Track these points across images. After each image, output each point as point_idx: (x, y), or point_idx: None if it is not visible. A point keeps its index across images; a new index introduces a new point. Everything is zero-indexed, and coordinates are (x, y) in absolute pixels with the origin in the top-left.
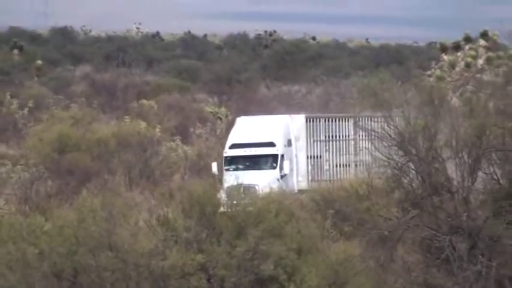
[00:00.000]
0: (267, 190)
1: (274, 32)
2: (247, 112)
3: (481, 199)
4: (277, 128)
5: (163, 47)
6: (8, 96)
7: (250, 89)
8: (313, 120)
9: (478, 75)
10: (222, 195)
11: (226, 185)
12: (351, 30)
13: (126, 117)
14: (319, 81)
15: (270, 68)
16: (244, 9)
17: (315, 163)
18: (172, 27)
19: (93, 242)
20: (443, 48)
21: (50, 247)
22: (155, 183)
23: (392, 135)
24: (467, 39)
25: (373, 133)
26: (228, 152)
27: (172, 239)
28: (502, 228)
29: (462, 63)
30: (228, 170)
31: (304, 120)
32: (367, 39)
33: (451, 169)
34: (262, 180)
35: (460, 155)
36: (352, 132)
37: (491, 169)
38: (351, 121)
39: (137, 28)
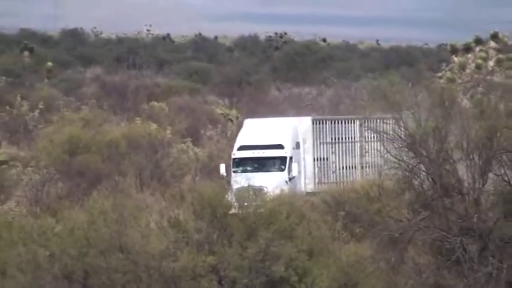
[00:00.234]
0: (275, 192)
1: (285, 33)
2: (258, 114)
3: (492, 201)
4: (286, 130)
5: (174, 49)
6: (19, 98)
7: (261, 90)
8: (319, 123)
9: (489, 77)
10: (231, 197)
11: (234, 186)
12: (362, 32)
13: (137, 118)
14: (329, 83)
15: (281, 70)
16: (254, 11)
17: (322, 165)
18: (182, 29)
19: (103, 243)
20: (454, 50)
21: (60, 249)
22: (166, 184)
23: (403, 137)
24: (478, 41)
25: (383, 135)
26: (237, 154)
27: (184, 241)
28: None
29: (472, 65)
30: (236, 171)
31: (310, 122)
32: (377, 41)
33: (462, 171)
34: (271, 183)
35: (471, 156)
36: (358, 134)
37: (502, 171)
38: (358, 123)
39: (148, 30)
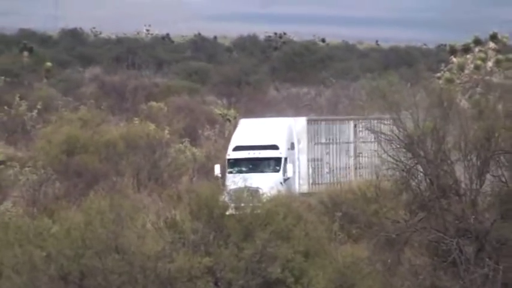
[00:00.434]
0: (270, 193)
1: (284, 34)
2: (256, 114)
3: (489, 202)
4: (281, 130)
5: (173, 49)
6: (17, 98)
7: (260, 91)
8: (314, 123)
9: (487, 78)
10: (225, 198)
11: (229, 187)
12: (361, 32)
13: (135, 119)
14: (328, 84)
15: (280, 70)
16: (254, 12)
17: (316, 166)
18: (182, 29)
19: (100, 244)
20: (453, 51)
21: (57, 250)
22: (163, 185)
23: (401, 138)
24: (477, 42)
25: (381, 135)
26: (231, 154)
27: (180, 242)
28: (509, 231)
29: (471, 66)
30: (231, 172)
31: (305, 122)
32: (376, 41)
33: (460, 171)
34: (266, 183)
35: (469, 157)
36: (352, 135)
37: (500, 171)
38: (352, 124)
39: (147, 30)
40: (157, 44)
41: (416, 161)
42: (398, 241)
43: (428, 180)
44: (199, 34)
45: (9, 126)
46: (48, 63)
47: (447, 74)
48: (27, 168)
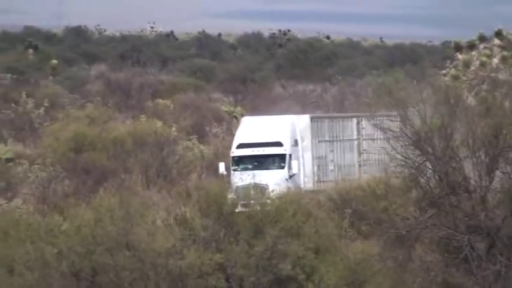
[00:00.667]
0: (277, 190)
1: (289, 31)
2: (262, 111)
3: (499, 198)
4: (284, 127)
5: (178, 46)
6: (24, 96)
7: (265, 88)
8: (318, 120)
9: (493, 75)
10: (232, 195)
11: (235, 185)
12: (365, 29)
13: (142, 116)
14: (334, 81)
15: (284, 67)
16: (258, 9)
17: (321, 163)
18: (186, 27)
19: (110, 241)
20: (458, 48)
21: (68, 246)
22: (172, 182)
23: (409, 135)
24: (482, 38)
25: (388, 132)
26: (236, 152)
27: (190, 238)
28: None
29: (477, 63)
30: (235, 170)
31: (309, 120)
32: (381, 38)
33: (468, 168)
34: (272, 180)
35: (477, 154)
36: (356, 132)
37: (509, 168)
38: (355, 121)
39: (151, 27)
40: (162, 41)
41: (424, 158)
42: (409, 238)
43: (437, 177)
44: (204, 31)
45: (17, 123)
46: (54, 61)
47: (453, 71)
48: (36, 166)
